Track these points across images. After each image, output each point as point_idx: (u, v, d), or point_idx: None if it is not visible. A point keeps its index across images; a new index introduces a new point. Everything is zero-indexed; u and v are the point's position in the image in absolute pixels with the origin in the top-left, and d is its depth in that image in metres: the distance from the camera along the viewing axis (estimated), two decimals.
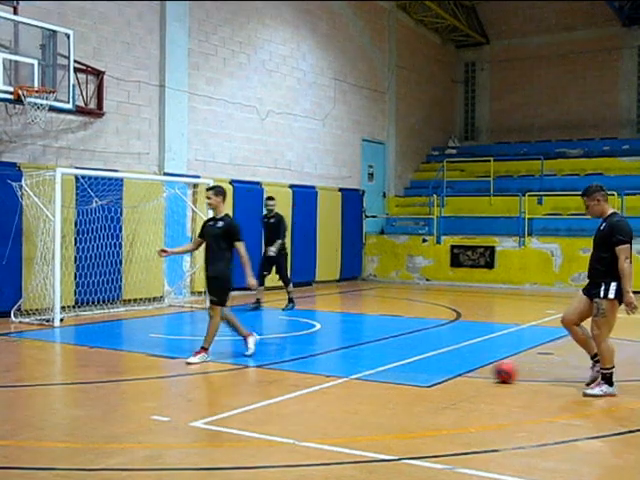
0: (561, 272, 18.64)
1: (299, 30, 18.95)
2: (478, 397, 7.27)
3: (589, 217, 7.68)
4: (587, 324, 7.52)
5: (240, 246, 8.80)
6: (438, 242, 20.31)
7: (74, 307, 12.81)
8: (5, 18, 11.51)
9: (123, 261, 13.86)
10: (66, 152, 13.37)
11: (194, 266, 15.05)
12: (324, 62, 19.88)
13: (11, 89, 11.57)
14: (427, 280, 20.37)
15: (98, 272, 13.23)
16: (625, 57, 24.71)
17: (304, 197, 18.62)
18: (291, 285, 14.19)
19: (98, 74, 13.73)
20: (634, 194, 19.01)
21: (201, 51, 16.08)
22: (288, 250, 17.86)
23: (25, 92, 11.64)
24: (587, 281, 7.64)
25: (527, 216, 19.58)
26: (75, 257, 12.96)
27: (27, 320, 11.80)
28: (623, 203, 18.19)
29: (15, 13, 11.94)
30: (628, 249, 7.25)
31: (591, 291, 7.41)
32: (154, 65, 15.01)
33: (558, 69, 25.40)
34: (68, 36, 12.34)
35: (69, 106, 12.50)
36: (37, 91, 11.79)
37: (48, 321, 11.64)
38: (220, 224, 8.87)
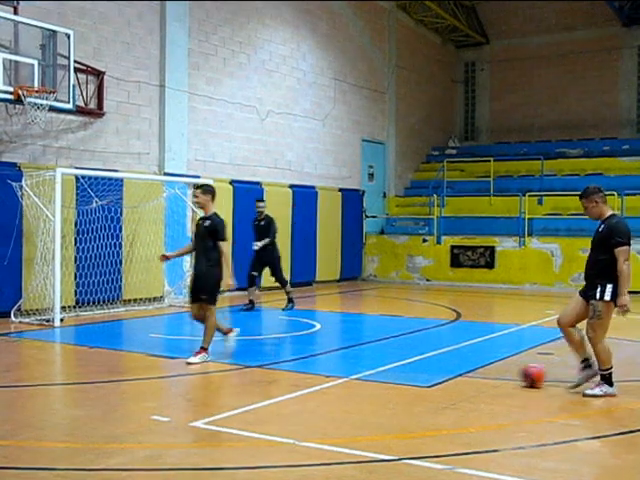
0: (561, 272, 18.64)
1: (299, 30, 18.95)
2: (478, 397, 7.27)
3: (592, 219, 7.66)
4: (581, 325, 7.51)
5: (223, 245, 8.72)
6: (438, 242, 20.31)
7: (74, 307, 12.81)
8: (5, 18, 11.51)
9: (123, 261, 13.86)
10: (66, 152, 13.37)
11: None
12: (324, 62, 19.88)
13: (11, 89, 11.57)
14: (427, 280, 20.37)
15: (98, 272, 13.23)
16: (625, 57, 24.71)
17: (304, 197, 18.62)
18: (289, 285, 14.18)
19: (98, 74, 13.73)
20: (634, 194, 19.01)
21: (201, 51, 16.09)
22: (288, 251, 18.01)
23: (25, 92, 11.64)
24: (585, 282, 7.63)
25: (527, 216, 19.58)
26: (75, 257, 12.96)
27: (27, 320, 11.80)
28: (623, 203, 18.19)
29: (15, 13, 11.94)
30: (627, 251, 7.23)
31: (587, 293, 7.40)
32: (154, 65, 15.02)
33: (558, 69, 25.40)
34: (68, 36, 12.34)
35: (69, 106, 12.51)
36: (37, 91, 11.80)
37: (48, 321, 11.65)
38: (207, 223, 8.84)
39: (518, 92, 25.99)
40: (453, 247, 20.11)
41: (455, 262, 20.05)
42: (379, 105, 22.41)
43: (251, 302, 13.84)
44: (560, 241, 18.86)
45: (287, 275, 17.77)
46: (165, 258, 9.59)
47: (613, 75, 24.76)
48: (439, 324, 12.55)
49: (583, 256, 7.75)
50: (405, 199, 23.39)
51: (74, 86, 12.62)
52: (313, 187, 19.21)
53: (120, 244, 13.75)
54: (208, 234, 8.75)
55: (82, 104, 13.34)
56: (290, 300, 13.96)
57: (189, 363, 8.60)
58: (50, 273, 11.86)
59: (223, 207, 15.51)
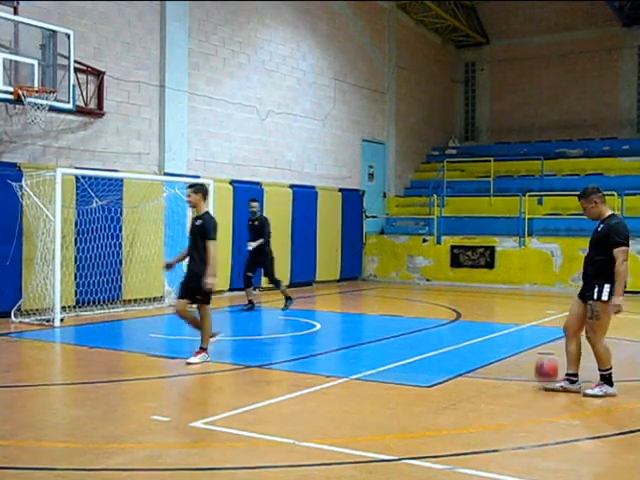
0: (561, 272, 18.64)
1: (299, 30, 18.95)
2: (478, 397, 7.27)
3: (591, 220, 7.65)
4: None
5: (210, 244, 8.62)
6: (438, 242, 20.31)
7: (74, 307, 12.81)
8: (5, 18, 11.51)
9: (123, 261, 13.86)
10: (66, 152, 13.37)
11: None
12: (324, 62, 19.88)
13: (11, 89, 11.57)
14: (427, 280, 20.37)
15: (98, 272, 13.23)
16: (625, 57, 24.71)
17: (304, 197, 18.62)
18: (283, 284, 14.06)
19: (98, 74, 13.73)
20: (634, 194, 19.01)
21: (201, 51, 16.09)
22: (288, 251, 18.02)
23: (25, 92, 11.64)
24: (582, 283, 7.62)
25: (527, 216, 19.58)
26: (75, 257, 12.96)
27: (27, 320, 11.80)
28: (623, 203, 18.19)
29: (15, 13, 11.94)
30: (626, 251, 7.21)
31: (585, 294, 7.38)
32: (154, 65, 15.01)
33: (558, 69, 25.40)
34: (68, 36, 12.34)
35: (69, 106, 12.51)
36: (37, 91, 11.80)
37: (48, 321, 11.65)
38: (199, 222, 8.81)
39: (518, 92, 25.99)
40: (453, 247, 20.11)
41: (455, 262, 20.05)
42: (379, 105, 22.41)
43: (251, 302, 13.84)
44: (560, 241, 18.86)
45: (287, 275, 17.89)
46: (169, 267, 9.47)
47: (613, 75, 24.76)
48: (439, 324, 12.54)
49: (583, 256, 7.72)
50: (405, 199, 23.39)
51: (74, 86, 12.62)
52: (313, 187, 19.21)
53: (120, 244, 13.75)
54: (200, 233, 8.72)
55: (82, 104, 13.34)
56: (288, 298, 13.91)
57: (189, 363, 8.59)
58: (50, 273, 11.86)
59: (223, 207, 15.59)
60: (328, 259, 19.51)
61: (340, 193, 20.16)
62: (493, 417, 6.62)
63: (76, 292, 12.96)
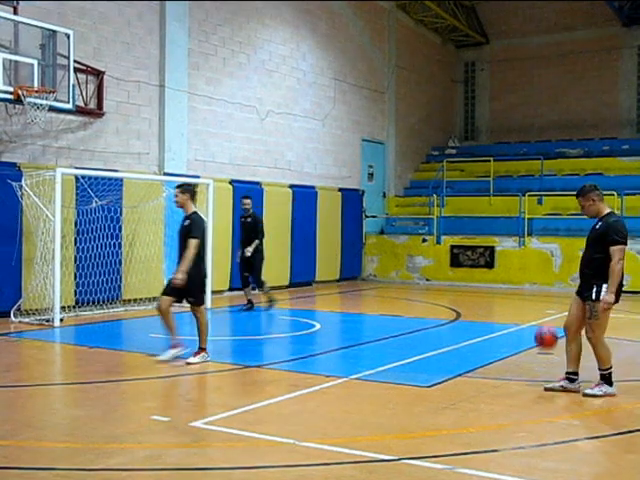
0: (561, 272, 18.64)
1: (299, 30, 18.95)
2: (478, 397, 7.27)
3: (588, 218, 7.65)
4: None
5: (192, 242, 8.56)
6: (438, 242, 20.32)
7: (74, 307, 12.81)
8: (5, 18, 11.51)
9: (123, 261, 13.86)
10: (66, 152, 13.37)
11: None
12: (324, 62, 19.88)
13: (11, 89, 11.57)
14: (427, 280, 20.37)
15: (98, 272, 13.23)
16: (625, 57, 24.71)
17: (304, 197, 18.62)
18: (267, 286, 13.93)
19: (98, 74, 13.73)
20: (634, 194, 19.02)
21: (201, 51, 16.09)
22: (288, 251, 18.01)
23: (25, 92, 11.64)
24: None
25: (527, 216, 19.58)
26: (75, 257, 12.96)
27: (27, 320, 11.79)
28: (623, 203, 18.20)
29: (15, 13, 11.94)
30: (622, 250, 7.18)
31: (583, 293, 7.37)
32: (154, 65, 15.01)
33: (558, 69, 25.40)
34: (68, 36, 12.34)
35: (69, 106, 12.51)
36: (37, 91, 11.79)
37: (48, 321, 11.64)
38: (187, 222, 8.79)
39: (518, 92, 26.00)
40: (453, 247, 20.11)
41: (455, 262, 20.05)
42: (379, 105, 22.41)
43: (250, 302, 13.83)
44: (560, 241, 18.86)
45: (287, 275, 17.90)
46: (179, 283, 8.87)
47: (613, 75, 24.76)
48: (439, 324, 12.55)
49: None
50: (405, 199, 23.40)
51: (74, 86, 12.62)
52: (313, 187, 19.20)
53: (120, 244, 13.75)
54: (187, 234, 8.69)
55: (82, 104, 13.34)
56: (271, 301, 13.78)
57: (189, 363, 8.59)
58: (50, 273, 11.86)
59: (223, 207, 15.60)
60: (328, 259, 19.51)
61: (340, 193, 20.16)
62: (493, 417, 6.62)
63: (76, 292, 12.96)
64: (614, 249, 7.14)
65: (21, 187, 11.92)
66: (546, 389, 7.50)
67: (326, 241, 19.41)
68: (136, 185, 14.04)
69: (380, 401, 7.09)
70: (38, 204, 11.88)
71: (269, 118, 17.96)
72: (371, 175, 22.26)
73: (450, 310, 14.38)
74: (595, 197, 7.41)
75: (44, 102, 11.89)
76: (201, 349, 8.76)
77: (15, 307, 12.01)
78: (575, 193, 7.58)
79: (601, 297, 7.12)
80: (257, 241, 13.57)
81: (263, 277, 13.87)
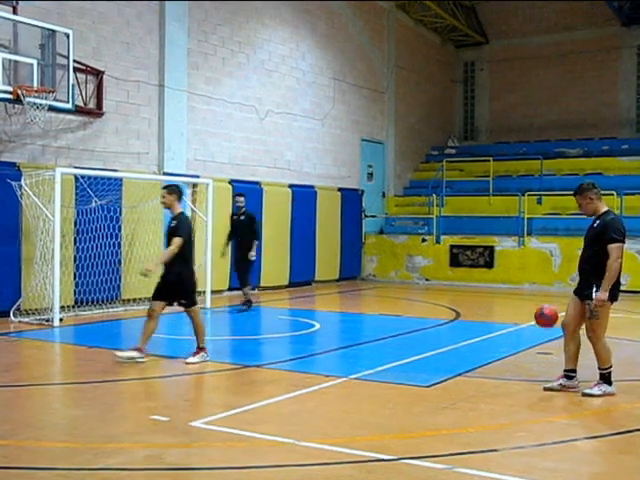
0: (560, 272, 18.64)
1: (298, 30, 18.95)
2: (478, 397, 7.27)
3: (586, 216, 7.65)
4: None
5: (175, 240, 8.55)
6: (437, 242, 20.32)
7: (73, 307, 12.81)
8: (5, 18, 11.50)
9: (122, 261, 13.86)
10: (65, 152, 13.36)
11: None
12: (323, 62, 19.88)
13: (10, 89, 11.56)
14: (426, 280, 20.37)
15: (97, 272, 13.22)
16: (624, 57, 24.71)
17: (303, 197, 18.62)
18: (249, 287, 13.86)
19: (97, 74, 13.73)
20: (633, 194, 19.02)
21: (200, 51, 16.08)
22: (287, 251, 18.00)
23: (24, 92, 11.63)
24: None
25: (526, 216, 19.58)
26: (74, 257, 12.96)
27: (26, 320, 11.79)
28: (622, 203, 18.20)
29: (15, 13, 11.93)
30: (620, 248, 7.17)
31: (582, 292, 7.35)
32: (153, 65, 15.01)
33: (558, 69, 25.40)
34: (67, 36, 12.34)
35: (68, 106, 12.50)
36: (36, 91, 11.79)
37: (47, 321, 11.64)
38: (173, 223, 8.80)
39: (518, 92, 25.99)
40: (452, 247, 20.11)
41: (454, 262, 20.05)
42: (378, 105, 22.41)
43: (249, 302, 13.83)
44: (559, 241, 18.86)
45: (286, 275, 17.89)
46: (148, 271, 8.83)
47: (612, 75, 24.76)
48: (438, 324, 12.55)
49: None
50: (404, 199, 23.39)
51: (73, 86, 12.61)
52: (312, 187, 19.20)
53: (119, 244, 13.75)
54: (174, 234, 8.69)
55: (81, 104, 13.33)
56: (249, 302, 13.69)
57: (188, 363, 8.59)
58: (49, 273, 11.86)
59: (222, 207, 15.58)
60: (327, 259, 19.51)
61: (339, 193, 20.16)
62: (492, 417, 6.62)
63: (75, 292, 12.96)
64: (612, 247, 7.13)
65: (21, 187, 11.91)
66: (545, 389, 7.50)
67: (325, 241, 19.41)
68: (136, 185, 14.04)
69: (379, 401, 7.09)
70: (38, 204, 11.87)
71: (268, 118, 17.95)
72: (370, 175, 22.26)
73: (449, 310, 14.38)
74: (593, 195, 7.40)
75: (44, 102, 11.89)
76: (200, 349, 8.76)
77: (15, 307, 12.01)
78: (572, 191, 7.57)
79: (594, 295, 7.12)
80: (257, 242, 13.58)
81: (249, 280, 13.84)
